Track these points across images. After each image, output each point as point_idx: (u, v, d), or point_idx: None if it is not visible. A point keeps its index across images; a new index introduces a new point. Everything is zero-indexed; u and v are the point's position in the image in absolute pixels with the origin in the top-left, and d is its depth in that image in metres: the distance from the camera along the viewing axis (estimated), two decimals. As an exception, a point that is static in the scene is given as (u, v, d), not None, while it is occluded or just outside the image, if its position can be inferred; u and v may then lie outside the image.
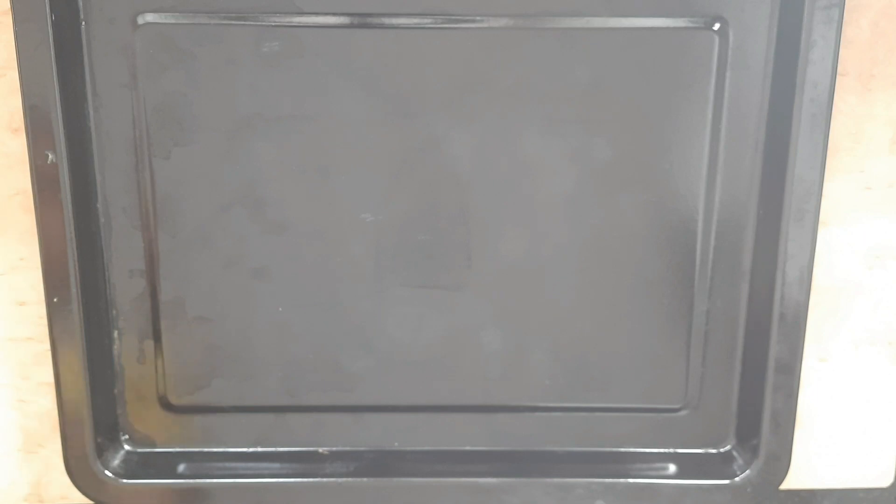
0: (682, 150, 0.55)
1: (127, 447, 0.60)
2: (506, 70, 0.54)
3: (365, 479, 0.60)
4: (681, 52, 0.54)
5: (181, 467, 0.60)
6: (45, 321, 0.55)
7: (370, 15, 0.53)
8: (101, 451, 0.58)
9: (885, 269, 0.59)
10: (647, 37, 0.53)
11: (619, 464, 0.61)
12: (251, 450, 0.60)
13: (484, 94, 0.54)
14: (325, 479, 0.60)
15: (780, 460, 0.59)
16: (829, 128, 0.53)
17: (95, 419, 0.57)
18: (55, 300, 0.54)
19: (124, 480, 0.59)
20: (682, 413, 0.61)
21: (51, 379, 0.56)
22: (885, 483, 0.63)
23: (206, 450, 0.60)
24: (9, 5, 0.50)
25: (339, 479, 0.60)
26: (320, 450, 0.60)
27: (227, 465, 0.60)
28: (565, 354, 0.59)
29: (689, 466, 0.61)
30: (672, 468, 0.61)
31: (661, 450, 0.61)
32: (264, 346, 0.58)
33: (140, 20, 0.52)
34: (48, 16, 0.50)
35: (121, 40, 0.52)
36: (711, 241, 0.57)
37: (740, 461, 0.60)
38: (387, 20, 0.53)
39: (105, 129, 0.54)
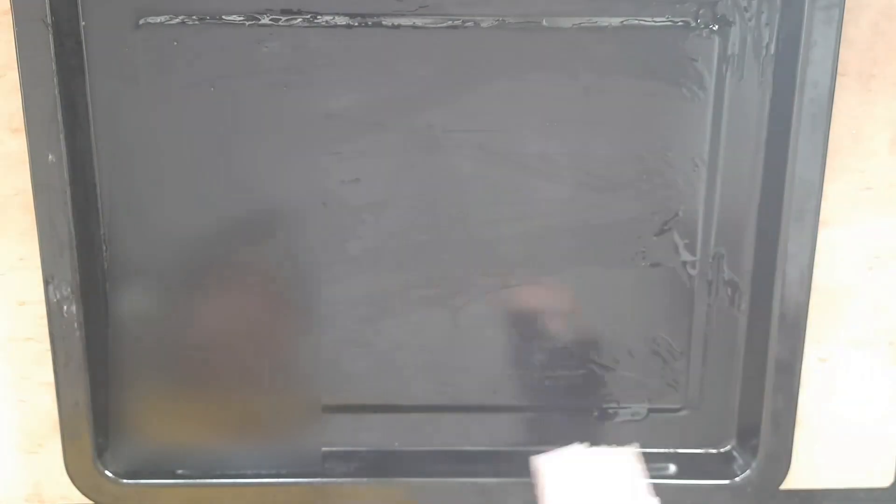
0: (682, 150, 0.55)
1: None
2: (506, 70, 0.54)
3: (365, 479, 0.60)
4: (681, 52, 0.54)
5: (181, 468, 0.60)
6: (45, 321, 0.55)
7: (370, 15, 0.53)
8: (101, 451, 0.58)
9: (886, 270, 0.59)
10: (647, 37, 0.53)
11: (619, 464, 0.61)
12: (251, 449, 0.60)
13: (484, 94, 0.54)
14: (325, 479, 0.60)
15: (780, 460, 0.59)
16: (829, 128, 0.53)
17: (95, 419, 0.57)
18: (55, 300, 0.54)
19: (124, 480, 0.59)
20: (682, 413, 0.61)
21: (51, 379, 0.56)
22: (885, 483, 0.63)
23: (205, 450, 0.60)
24: (9, 5, 0.50)
25: (339, 479, 0.60)
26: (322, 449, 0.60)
27: (228, 465, 0.60)
28: (565, 354, 0.59)
29: (689, 466, 0.61)
30: (672, 468, 0.61)
31: (661, 450, 0.61)
32: (263, 346, 0.58)
33: (140, 20, 0.52)
34: (48, 16, 0.50)
35: (121, 40, 0.52)
36: (711, 241, 0.57)
37: (740, 461, 0.60)
38: (387, 20, 0.53)
39: (105, 129, 0.54)
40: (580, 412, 0.60)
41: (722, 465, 0.60)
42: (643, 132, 0.55)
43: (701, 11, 0.53)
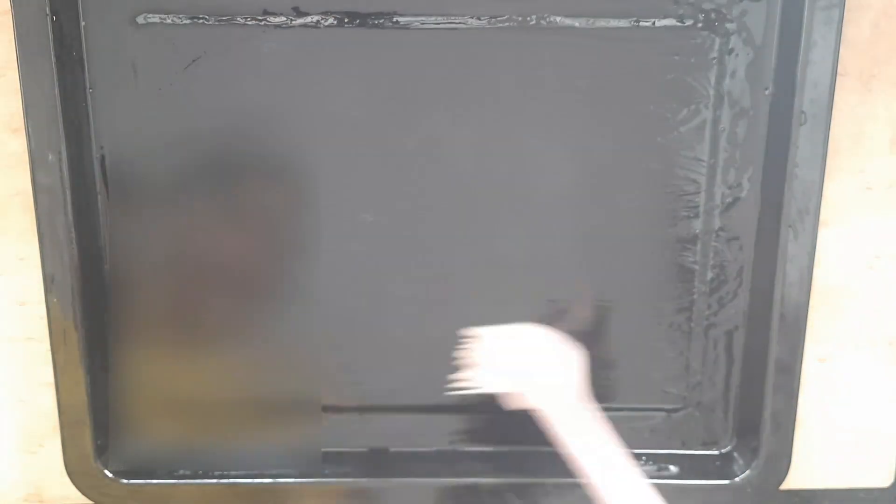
0: (682, 150, 0.55)
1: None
2: (506, 70, 0.54)
3: (365, 480, 0.60)
4: (681, 52, 0.54)
5: (181, 468, 0.60)
6: (45, 321, 0.55)
7: (370, 15, 0.53)
8: (101, 451, 0.58)
9: (886, 269, 0.59)
10: (647, 37, 0.53)
11: (619, 464, 0.61)
12: (252, 450, 0.60)
13: (484, 94, 0.54)
14: (325, 480, 0.60)
15: (781, 460, 0.59)
16: (829, 128, 0.53)
17: (95, 419, 0.57)
18: (55, 300, 0.54)
19: (124, 480, 0.59)
20: (682, 413, 0.61)
21: (51, 379, 0.56)
22: (885, 483, 0.63)
23: (205, 449, 0.60)
24: (9, 5, 0.50)
25: (339, 479, 0.60)
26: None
27: (228, 465, 0.60)
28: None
29: (689, 466, 0.61)
30: (672, 468, 0.61)
31: (661, 450, 0.61)
32: (264, 347, 0.58)
33: (140, 20, 0.52)
34: (48, 16, 0.50)
35: (121, 40, 0.52)
36: (711, 241, 0.57)
37: (740, 461, 0.60)
38: (387, 20, 0.53)
39: (105, 129, 0.54)
40: (580, 412, 0.61)
41: (722, 465, 0.60)
42: (643, 132, 0.55)
43: (701, 13, 0.53)
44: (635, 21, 0.53)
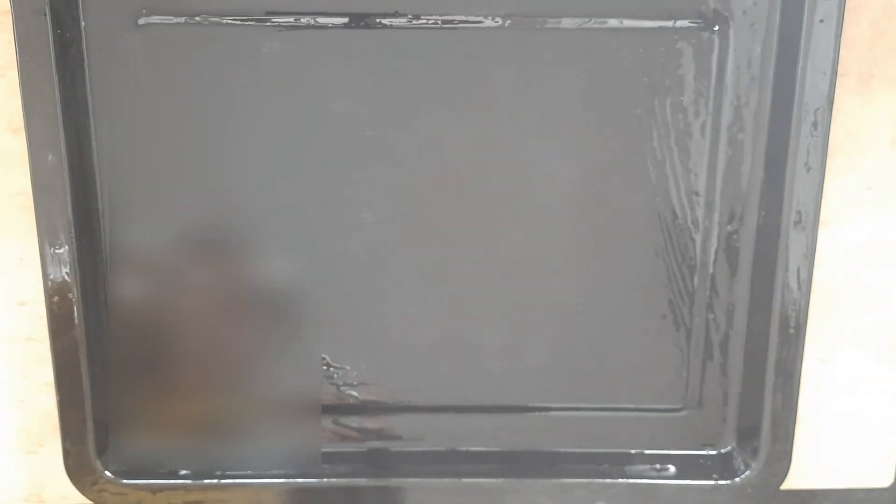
0: (681, 151, 0.55)
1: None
2: (506, 70, 0.54)
3: (365, 479, 0.60)
4: (681, 52, 0.54)
5: (181, 468, 0.60)
6: (45, 321, 0.55)
7: (370, 15, 0.53)
8: (101, 451, 0.58)
9: (886, 269, 0.59)
10: (647, 37, 0.53)
11: (619, 464, 0.61)
12: (251, 450, 0.60)
13: (484, 94, 0.54)
14: (325, 480, 0.60)
15: (781, 460, 0.59)
16: (829, 128, 0.53)
17: (95, 419, 0.57)
18: (55, 300, 0.54)
19: (124, 480, 0.59)
20: (682, 413, 0.61)
21: (51, 379, 0.56)
22: (885, 483, 0.63)
23: (206, 450, 0.60)
24: (9, 5, 0.50)
25: (339, 479, 0.60)
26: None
27: (228, 465, 0.60)
28: (565, 354, 0.59)
29: (689, 467, 0.61)
30: (672, 468, 0.61)
31: (662, 450, 0.61)
32: (264, 346, 0.58)
33: (140, 20, 0.52)
34: (48, 16, 0.50)
35: (121, 40, 0.52)
36: (712, 241, 0.57)
37: (740, 461, 0.60)
38: (387, 20, 0.53)
39: (105, 129, 0.54)
40: (580, 412, 0.60)
41: (722, 466, 0.60)
42: (643, 132, 0.55)
43: (701, 13, 0.53)
44: (635, 21, 0.53)
